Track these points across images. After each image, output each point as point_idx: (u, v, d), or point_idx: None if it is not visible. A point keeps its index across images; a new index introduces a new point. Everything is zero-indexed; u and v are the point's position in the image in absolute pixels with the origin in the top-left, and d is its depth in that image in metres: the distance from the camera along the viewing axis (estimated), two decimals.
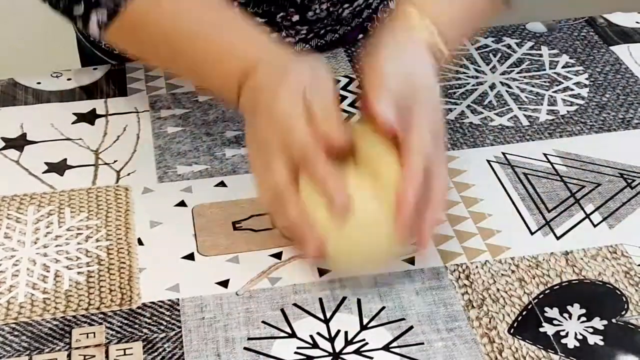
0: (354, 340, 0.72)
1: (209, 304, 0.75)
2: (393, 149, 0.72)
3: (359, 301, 0.75)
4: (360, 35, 1.13)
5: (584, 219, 0.84)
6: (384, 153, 0.72)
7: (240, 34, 0.79)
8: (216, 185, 0.88)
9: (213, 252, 0.80)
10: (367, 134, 0.73)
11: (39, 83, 1.03)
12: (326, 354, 0.71)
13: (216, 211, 0.85)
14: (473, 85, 1.03)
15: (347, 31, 1.10)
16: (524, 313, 0.74)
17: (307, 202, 0.71)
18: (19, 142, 0.94)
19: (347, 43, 1.10)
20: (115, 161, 0.91)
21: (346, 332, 0.72)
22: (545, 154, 0.92)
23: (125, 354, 0.71)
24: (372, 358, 0.70)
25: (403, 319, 0.74)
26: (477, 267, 0.78)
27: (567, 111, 0.99)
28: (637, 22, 1.15)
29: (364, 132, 0.73)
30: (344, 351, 0.71)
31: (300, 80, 0.72)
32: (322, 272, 0.78)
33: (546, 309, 0.74)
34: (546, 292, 0.76)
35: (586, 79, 1.02)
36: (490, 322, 0.73)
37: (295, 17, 1.01)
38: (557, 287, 0.77)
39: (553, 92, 1.02)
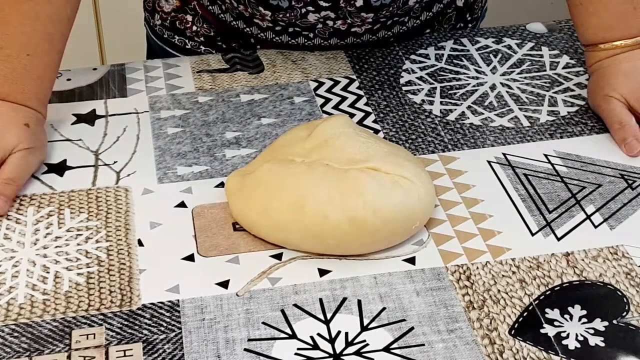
0: (355, 342, 0.72)
1: (209, 305, 0.75)
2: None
3: (359, 302, 0.75)
4: (428, 30, 1.13)
5: (584, 220, 0.84)
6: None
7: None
8: (216, 186, 0.88)
9: (213, 252, 0.80)
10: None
11: None
12: (326, 355, 0.71)
13: (216, 212, 0.84)
14: (473, 86, 1.03)
15: (415, 25, 1.10)
16: (525, 314, 0.74)
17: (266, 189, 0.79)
18: None
19: (415, 37, 1.10)
20: (115, 162, 0.91)
21: (347, 333, 0.72)
22: (545, 155, 0.92)
23: (125, 355, 0.70)
24: (372, 359, 0.70)
25: (403, 320, 0.73)
26: (477, 268, 0.78)
27: (568, 112, 0.99)
28: None
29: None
30: (344, 352, 0.71)
31: None
32: (322, 272, 0.78)
33: (547, 310, 0.74)
34: (547, 293, 0.76)
35: (586, 79, 1.02)
36: (491, 323, 0.73)
37: (359, 2, 1.01)
38: (558, 288, 0.77)
39: (554, 92, 1.02)
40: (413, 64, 1.06)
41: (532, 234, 0.82)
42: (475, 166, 0.90)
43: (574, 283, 0.77)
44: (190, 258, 0.79)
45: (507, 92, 1.02)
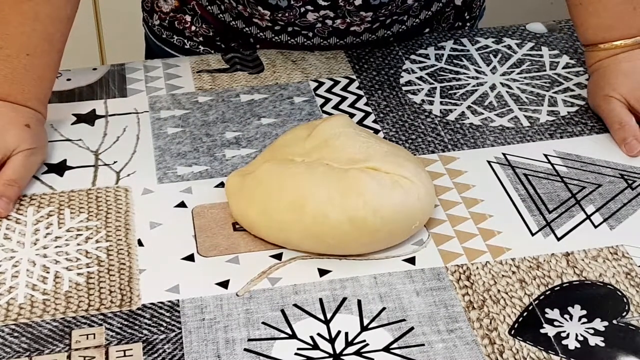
0: (355, 341, 0.72)
1: (209, 305, 0.75)
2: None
3: (359, 302, 0.75)
4: (427, 30, 1.13)
5: (584, 220, 0.84)
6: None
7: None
8: (216, 186, 0.88)
9: (213, 253, 0.80)
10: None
11: None
12: (326, 355, 0.71)
13: (216, 212, 0.84)
14: (473, 86, 1.03)
15: (415, 24, 1.10)
16: (525, 314, 0.74)
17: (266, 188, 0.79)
18: None
19: (414, 36, 1.10)
20: (115, 162, 0.91)
21: (346, 333, 0.72)
22: (545, 155, 0.92)
23: (125, 355, 0.70)
24: (372, 359, 0.70)
25: (403, 320, 0.73)
26: (477, 268, 0.78)
27: (568, 112, 0.99)
28: None
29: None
30: (344, 352, 0.71)
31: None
32: (322, 272, 0.78)
33: (547, 310, 0.74)
34: (547, 293, 0.76)
35: (586, 79, 1.02)
36: (491, 323, 0.73)
37: (358, 1, 1.01)
38: (558, 288, 0.77)
39: (553, 92, 1.02)
40: (413, 64, 1.06)
41: (532, 234, 0.82)
42: (475, 166, 0.90)
43: (574, 283, 0.77)
44: (190, 258, 0.79)
45: (507, 92, 1.02)
